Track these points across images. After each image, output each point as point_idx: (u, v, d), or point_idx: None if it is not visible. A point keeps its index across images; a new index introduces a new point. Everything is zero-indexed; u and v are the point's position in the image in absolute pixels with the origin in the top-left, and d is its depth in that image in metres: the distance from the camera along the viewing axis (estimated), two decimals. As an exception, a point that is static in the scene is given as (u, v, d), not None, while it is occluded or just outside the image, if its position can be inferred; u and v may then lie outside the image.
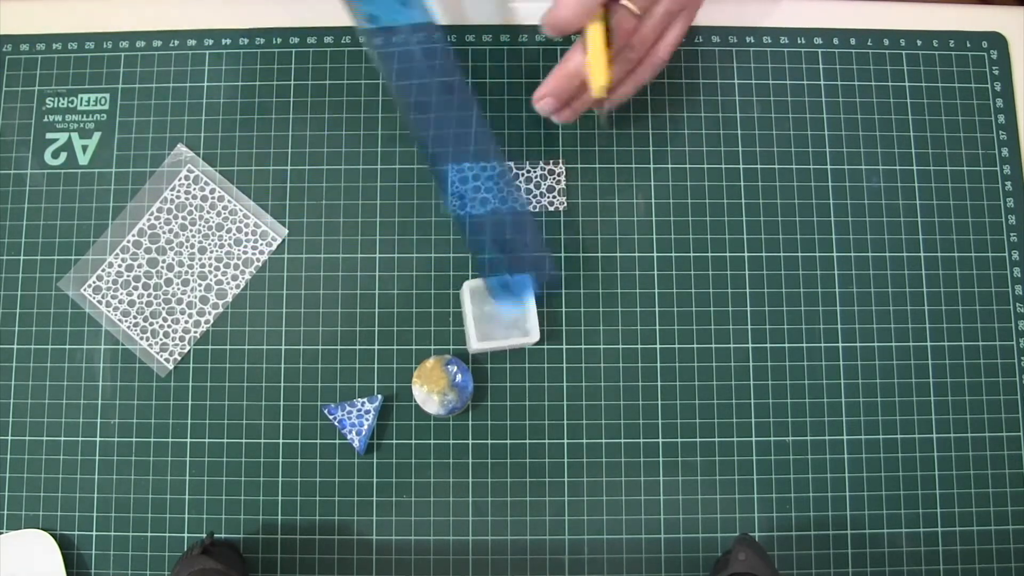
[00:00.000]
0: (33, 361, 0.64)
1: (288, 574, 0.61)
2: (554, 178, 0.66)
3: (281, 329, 0.64)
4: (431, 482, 0.62)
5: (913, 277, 0.65)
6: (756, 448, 0.63)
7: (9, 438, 0.63)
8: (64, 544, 0.61)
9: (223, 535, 0.62)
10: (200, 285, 0.64)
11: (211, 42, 0.67)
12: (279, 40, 0.67)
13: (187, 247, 0.65)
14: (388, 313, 0.64)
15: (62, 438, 0.63)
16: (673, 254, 0.65)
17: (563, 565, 0.61)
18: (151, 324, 0.64)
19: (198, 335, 0.64)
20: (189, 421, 0.63)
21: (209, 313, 0.64)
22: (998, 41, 0.68)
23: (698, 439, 0.63)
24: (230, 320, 0.64)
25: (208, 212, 0.65)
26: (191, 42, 0.68)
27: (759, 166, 0.66)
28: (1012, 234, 0.66)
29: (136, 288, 0.64)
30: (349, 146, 0.66)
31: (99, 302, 0.64)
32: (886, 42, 0.68)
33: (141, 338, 0.64)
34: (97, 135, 0.66)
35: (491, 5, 0.69)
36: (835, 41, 0.68)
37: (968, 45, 0.68)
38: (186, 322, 0.64)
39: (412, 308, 0.64)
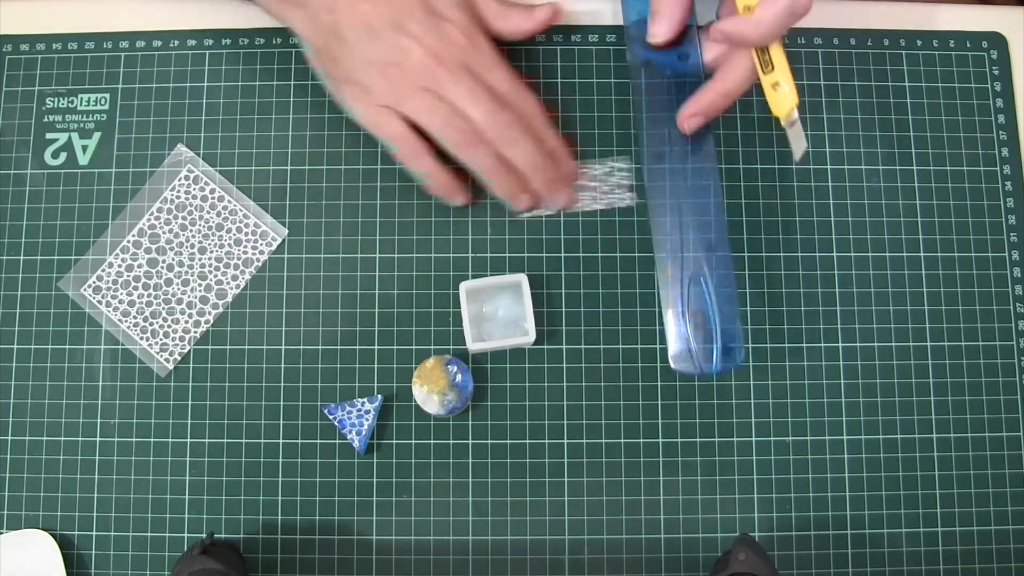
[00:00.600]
0: (33, 361, 0.64)
1: (288, 574, 0.61)
2: (621, 174, 0.65)
3: (281, 329, 0.64)
4: (431, 482, 0.62)
5: (913, 277, 0.65)
6: (756, 448, 0.63)
7: (9, 438, 0.63)
8: (64, 544, 0.61)
9: (223, 535, 0.62)
10: (200, 285, 0.64)
11: (211, 42, 0.67)
12: (279, 40, 0.67)
13: (187, 247, 0.65)
14: (388, 313, 0.64)
15: (62, 438, 0.63)
16: (673, 254, 0.65)
17: (563, 565, 0.61)
18: (151, 324, 0.64)
19: (198, 335, 0.64)
20: (189, 421, 0.63)
21: (209, 313, 0.64)
22: (998, 41, 0.68)
23: (698, 439, 0.63)
24: (230, 320, 0.64)
25: (208, 212, 0.65)
26: (191, 42, 0.68)
27: (759, 166, 0.66)
28: (1012, 234, 0.66)
29: (136, 288, 0.64)
30: (349, 146, 0.66)
31: (99, 302, 0.64)
32: (886, 42, 0.68)
33: (141, 338, 0.64)
34: (97, 135, 0.66)
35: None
36: (835, 41, 0.68)
37: (968, 45, 0.68)
38: (186, 322, 0.64)
39: (412, 308, 0.64)
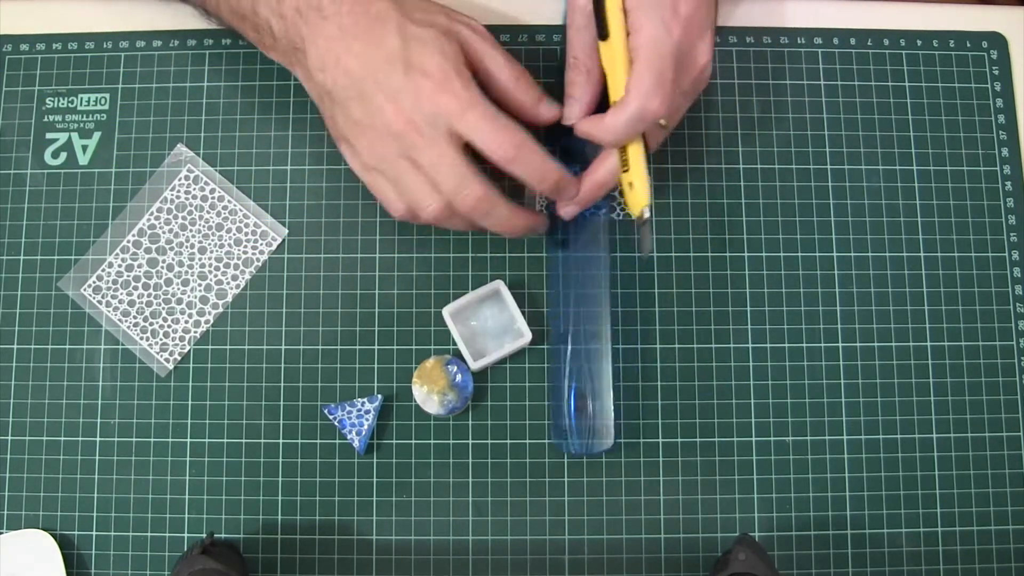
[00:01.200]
0: (33, 361, 0.64)
1: (288, 574, 0.61)
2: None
3: (281, 329, 0.64)
4: (431, 482, 0.62)
5: (913, 277, 0.65)
6: (756, 448, 0.63)
7: (9, 438, 0.63)
8: (64, 544, 0.61)
9: (223, 535, 0.62)
10: (200, 285, 0.64)
11: (211, 42, 0.67)
12: (279, 40, 0.67)
13: (187, 247, 0.65)
14: (388, 313, 0.64)
15: (62, 438, 0.63)
16: (673, 254, 0.65)
17: (563, 565, 0.61)
18: (151, 324, 0.64)
19: (198, 335, 0.64)
20: (189, 421, 0.63)
21: (209, 313, 0.64)
22: (998, 41, 0.68)
23: (698, 439, 0.63)
24: (230, 320, 0.64)
25: (208, 212, 0.65)
26: (191, 42, 0.68)
27: (759, 166, 0.66)
28: (1012, 234, 0.66)
29: (136, 288, 0.64)
30: (349, 146, 0.66)
31: (99, 302, 0.64)
32: (886, 42, 0.68)
33: (141, 338, 0.64)
34: (97, 135, 0.66)
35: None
36: (835, 41, 0.68)
37: (968, 45, 0.68)
38: (186, 322, 0.64)
39: (412, 308, 0.64)
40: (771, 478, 0.62)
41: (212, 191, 0.65)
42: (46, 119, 0.67)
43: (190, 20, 0.67)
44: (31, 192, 0.65)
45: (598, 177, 0.59)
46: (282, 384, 0.63)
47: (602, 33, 0.57)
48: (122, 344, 0.64)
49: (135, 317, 0.64)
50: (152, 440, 0.63)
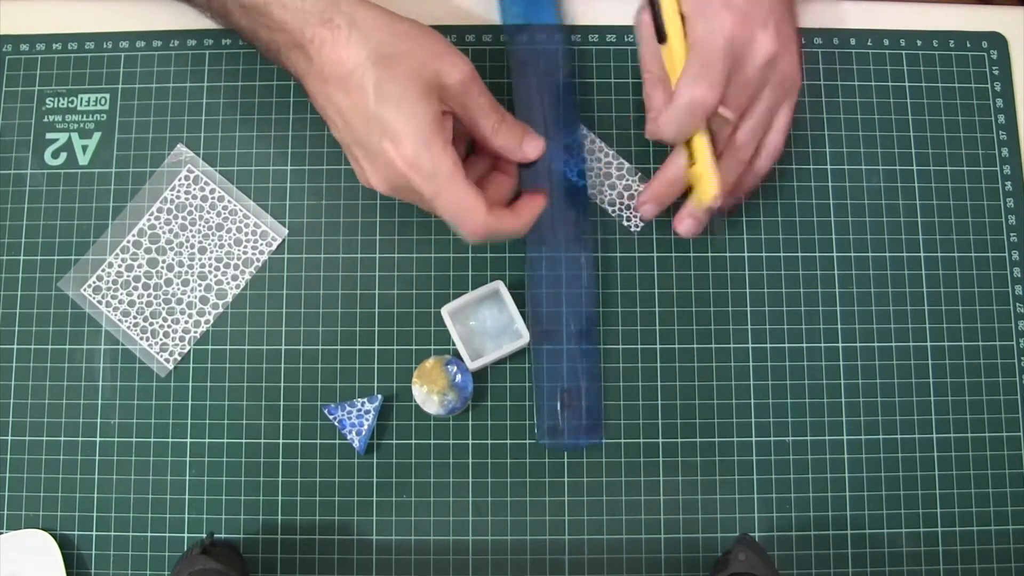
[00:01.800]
0: (33, 361, 0.64)
1: (288, 574, 0.61)
2: (634, 190, 0.66)
3: (281, 329, 0.64)
4: (431, 482, 0.62)
5: (913, 277, 0.65)
6: (756, 448, 0.63)
7: (9, 438, 0.63)
8: (64, 544, 0.61)
9: (223, 535, 0.62)
10: (200, 285, 0.64)
11: (211, 42, 0.67)
12: (279, 40, 0.67)
13: (187, 247, 0.65)
14: (388, 313, 0.64)
15: (62, 438, 0.63)
16: (673, 254, 0.65)
17: (563, 565, 0.61)
18: (151, 324, 0.64)
19: (198, 335, 0.64)
20: (189, 421, 0.63)
21: (209, 313, 0.64)
22: (998, 41, 0.68)
23: (698, 439, 0.63)
24: (230, 320, 0.64)
25: (208, 212, 0.65)
26: (191, 42, 0.68)
27: (759, 166, 0.66)
28: (1012, 234, 0.66)
29: (136, 288, 0.64)
30: (349, 146, 0.66)
31: (99, 302, 0.64)
32: (886, 42, 0.68)
33: (141, 338, 0.64)
34: (97, 135, 0.66)
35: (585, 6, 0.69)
36: (835, 41, 0.68)
37: (968, 45, 0.68)
38: (186, 322, 0.64)
39: (412, 308, 0.64)
40: (771, 478, 0.62)
41: (212, 191, 0.65)
42: (46, 119, 0.67)
43: (190, 20, 0.67)
44: (31, 192, 0.65)
45: (668, 174, 0.61)
46: (282, 384, 0.63)
47: (660, 37, 0.59)
48: (122, 344, 0.64)
49: (135, 317, 0.64)
50: (152, 440, 0.63)
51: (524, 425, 0.63)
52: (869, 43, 0.68)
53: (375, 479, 0.62)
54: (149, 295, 0.64)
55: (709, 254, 0.65)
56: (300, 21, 0.55)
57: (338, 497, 0.62)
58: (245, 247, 0.65)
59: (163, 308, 0.64)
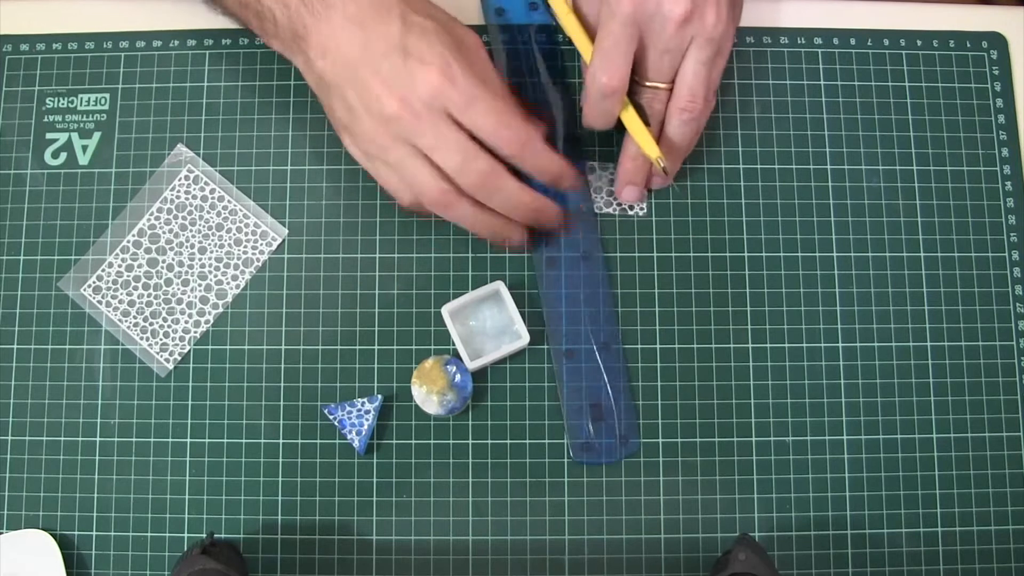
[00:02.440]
0: (33, 361, 0.64)
1: (288, 574, 0.61)
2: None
3: (281, 329, 0.64)
4: (431, 482, 0.62)
5: (913, 277, 0.65)
6: (756, 448, 0.63)
7: (9, 438, 0.63)
8: (64, 544, 0.61)
9: (223, 535, 0.62)
10: (200, 285, 0.64)
11: (211, 42, 0.67)
12: (279, 40, 0.67)
13: (187, 247, 0.65)
14: (388, 313, 0.64)
15: (62, 438, 0.63)
16: (673, 254, 0.65)
17: (563, 565, 0.61)
18: (151, 324, 0.64)
19: (198, 335, 0.64)
20: (189, 421, 0.63)
21: (209, 313, 0.64)
22: (998, 41, 0.68)
23: (698, 439, 0.63)
24: (230, 320, 0.64)
25: (208, 212, 0.65)
26: (191, 42, 0.68)
27: (759, 166, 0.66)
28: (1012, 234, 0.66)
29: (136, 288, 0.64)
30: (349, 146, 0.66)
31: (99, 302, 0.64)
32: (886, 42, 0.68)
33: (141, 338, 0.64)
34: (97, 135, 0.66)
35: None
36: (835, 41, 0.68)
37: (968, 45, 0.68)
38: (186, 322, 0.64)
39: (412, 308, 0.64)
40: (771, 478, 0.62)
41: (212, 191, 0.65)
42: (46, 119, 0.67)
43: (190, 20, 0.67)
44: (31, 192, 0.65)
45: (629, 152, 0.63)
46: (282, 384, 0.63)
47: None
48: (122, 344, 0.64)
49: (135, 317, 0.64)
50: (152, 440, 0.63)
51: (524, 425, 0.63)
52: (869, 43, 0.68)
53: (375, 479, 0.62)
54: (149, 295, 0.64)
55: (709, 254, 0.65)
56: None
57: (338, 497, 0.62)
58: (245, 247, 0.65)
59: (163, 308, 0.64)
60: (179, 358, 0.63)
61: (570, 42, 0.64)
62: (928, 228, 0.66)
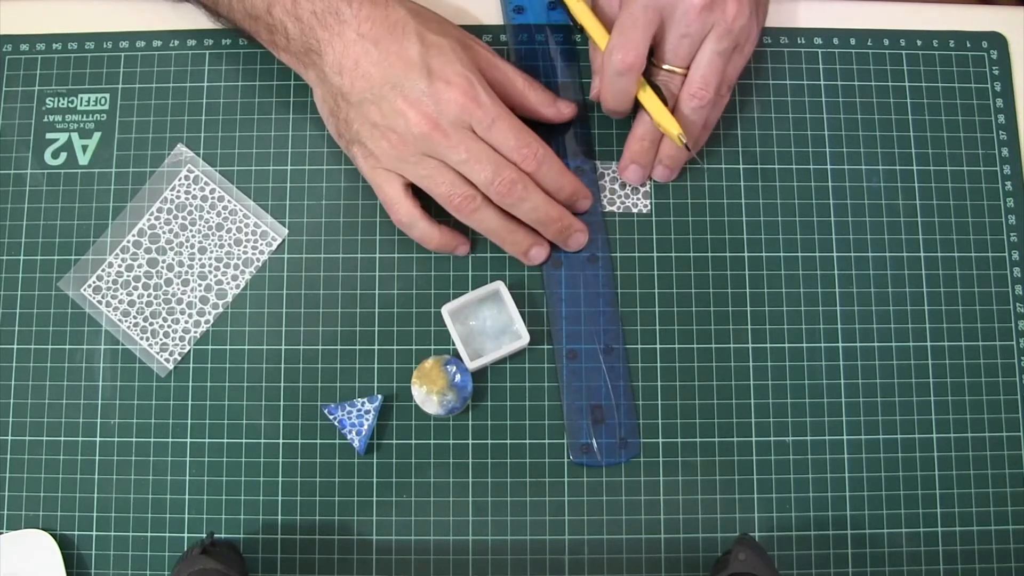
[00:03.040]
0: (33, 361, 0.64)
1: (288, 574, 0.61)
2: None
3: (281, 329, 0.64)
4: (431, 482, 0.62)
5: (913, 277, 0.65)
6: (756, 448, 0.63)
7: (9, 438, 0.63)
8: (64, 544, 0.61)
9: (223, 535, 0.62)
10: (200, 285, 0.64)
11: (211, 42, 0.67)
12: (279, 40, 0.67)
13: (187, 247, 0.65)
14: (388, 313, 0.64)
15: (62, 438, 0.63)
16: (673, 254, 0.65)
17: (563, 565, 0.61)
18: (151, 324, 0.64)
19: (198, 335, 0.64)
20: (189, 421, 0.63)
21: (209, 313, 0.64)
22: (998, 41, 0.68)
23: (698, 439, 0.63)
24: (230, 320, 0.64)
25: (208, 212, 0.65)
26: (191, 42, 0.68)
27: (759, 166, 0.66)
28: (1012, 234, 0.66)
29: (136, 288, 0.64)
30: (349, 146, 0.66)
31: (99, 302, 0.64)
32: (886, 42, 0.68)
33: (141, 338, 0.64)
34: (97, 135, 0.66)
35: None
36: (835, 41, 0.68)
37: (968, 45, 0.68)
38: (186, 322, 0.64)
39: (412, 308, 0.64)
40: (771, 478, 0.62)
41: (212, 191, 0.65)
42: (46, 119, 0.67)
43: (190, 20, 0.67)
44: (31, 192, 0.65)
45: (637, 132, 0.63)
46: (282, 384, 0.63)
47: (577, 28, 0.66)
48: (122, 344, 0.64)
49: (135, 317, 0.64)
50: (152, 440, 0.63)
51: (524, 425, 0.63)
52: (869, 43, 0.68)
53: (375, 479, 0.62)
54: (149, 295, 0.64)
55: (709, 254, 0.65)
56: None
57: (338, 497, 0.62)
58: (245, 247, 0.65)
59: (163, 308, 0.64)
60: (179, 358, 0.63)
61: (587, 42, 0.64)
62: (928, 228, 0.66)
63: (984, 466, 0.63)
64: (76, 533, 0.62)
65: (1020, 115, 0.67)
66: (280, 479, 0.62)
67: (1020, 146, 0.67)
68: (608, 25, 0.63)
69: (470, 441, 0.63)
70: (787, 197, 0.66)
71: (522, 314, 0.62)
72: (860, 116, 0.67)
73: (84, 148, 0.66)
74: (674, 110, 0.61)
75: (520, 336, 0.62)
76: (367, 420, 0.62)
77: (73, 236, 0.65)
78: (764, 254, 0.65)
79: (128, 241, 0.65)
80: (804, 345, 0.64)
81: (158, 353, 0.63)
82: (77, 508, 0.62)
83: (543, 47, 0.66)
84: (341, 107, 0.60)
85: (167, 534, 0.62)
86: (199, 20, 0.67)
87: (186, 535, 0.62)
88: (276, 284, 0.64)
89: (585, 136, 0.66)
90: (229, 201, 0.65)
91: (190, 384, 0.63)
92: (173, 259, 0.65)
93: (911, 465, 0.63)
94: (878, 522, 0.62)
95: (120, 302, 0.64)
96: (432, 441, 0.63)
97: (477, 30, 0.67)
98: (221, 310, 0.64)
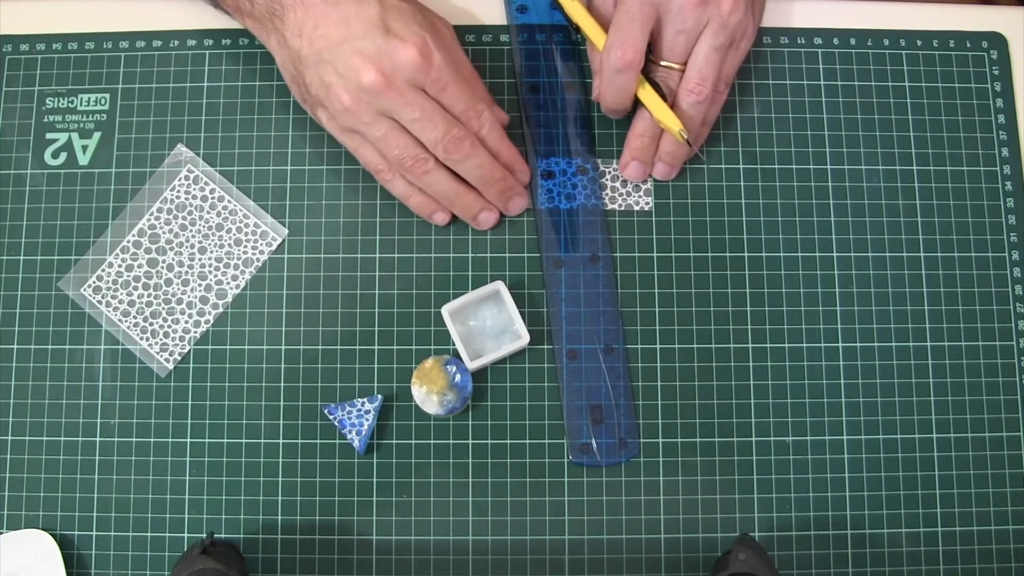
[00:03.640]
0: (33, 361, 0.64)
1: (288, 574, 0.61)
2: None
3: (281, 329, 0.64)
4: (431, 482, 0.62)
5: (913, 277, 0.65)
6: (756, 448, 0.63)
7: (9, 438, 0.63)
8: (64, 544, 0.61)
9: (223, 535, 0.62)
10: (200, 285, 0.64)
11: (211, 42, 0.67)
12: (279, 40, 0.67)
13: (187, 247, 0.65)
14: (388, 313, 0.64)
15: (62, 438, 0.63)
16: (673, 254, 0.65)
17: (563, 565, 0.61)
18: (151, 324, 0.64)
19: (198, 335, 0.64)
20: (189, 421, 0.63)
21: (209, 313, 0.64)
22: (998, 41, 0.68)
23: (698, 439, 0.63)
24: (230, 320, 0.64)
25: (208, 212, 0.65)
26: (191, 42, 0.68)
27: (759, 166, 0.66)
28: (1012, 234, 0.66)
29: (136, 288, 0.64)
30: (349, 146, 0.66)
31: (99, 302, 0.64)
32: (886, 42, 0.68)
33: (141, 338, 0.64)
34: (97, 135, 0.66)
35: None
36: (835, 41, 0.68)
37: (968, 45, 0.68)
38: (186, 322, 0.64)
39: (412, 308, 0.64)
40: (771, 478, 0.62)
41: (212, 191, 0.65)
42: (46, 119, 0.67)
43: (190, 20, 0.67)
44: (31, 192, 0.65)
45: (637, 129, 0.64)
46: (282, 384, 0.63)
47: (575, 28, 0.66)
48: (122, 344, 0.64)
49: (135, 317, 0.64)
50: (152, 440, 0.63)
51: (524, 425, 0.63)
52: (869, 43, 0.68)
53: (375, 479, 0.62)
54: (149, 295, 0.64)
55: (709, 254, 0.65)
56: None
57: (338, 497, 0.62)
58: (245, 247, 0.65)
59: (163, 308, 0.64)
60: (179, 358, 0.63)
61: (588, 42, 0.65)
62: (928, 228, 0.66)
63: (984, 466, 0.63)
64: (76, 533, 0.62)
65: (1020, 115, 0.67)
66: (280, 479, 0.62)
67: (1020, 146, 0.67)
68: (604, 24, 0.63)
69: (470, 441, 0.63)
70: (787, 197, 0.66)
71: (522, 314, 0.62)
72: (860, 116, 0.67)
73: (84, 148, 0.66)
74: (673, 106, 0.61)
75: (520, 336, 0.62)
76: (367, 420, 0.62)
77: (73, 236, 0.65)
78: (764, 254, 0.65)
79: (128, 241, 0.65)
80: (804, 345, 0.64)
81: (158, 353, 0.63)
82: (77, 508, 0.62)
83: (544, 47, 0.66)
84: (300, 71, 0.60)
85: (167, 534, 0.62)
86: (199, 20, 0.67)
87: (186, 535, 0.62)
88: (276, 284, 0.64)
89: (586, 136, 0.66)
90: (229, 201, 0.65)
91: (190, 384, 0.63)
92: (173, 259, 0.65)
93: (911, 465, 0.63)
94: (878, 522, 0.62)
95: (120, 302, 0.64)
96: (432, 441, 0.63)
97: (478, 30, 0.67)
98: (221, 310, 0.64)
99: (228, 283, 0.64)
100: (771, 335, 0.64)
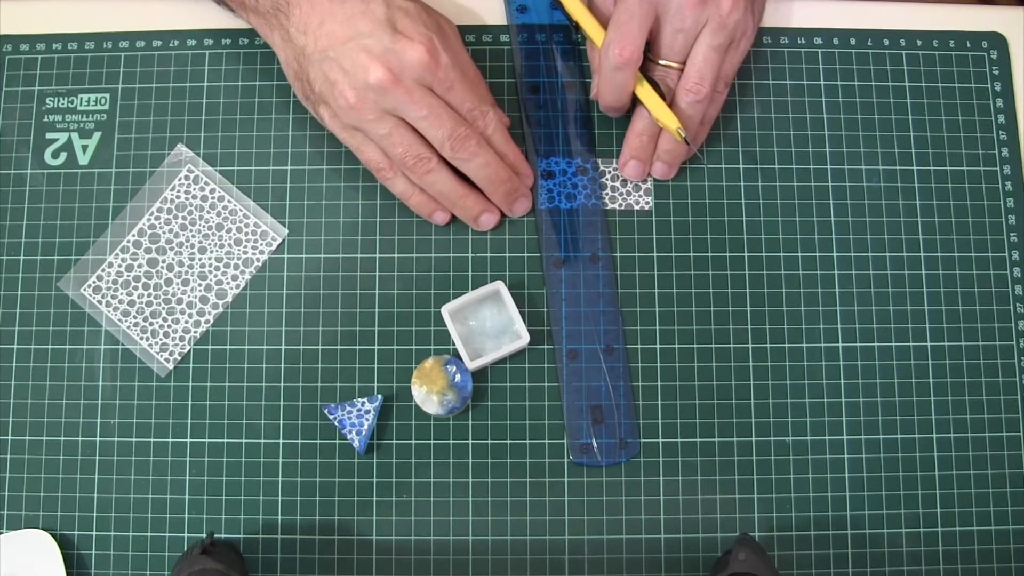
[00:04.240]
0: (33, 361, 0.64)
1: (288, 574, 0.61)
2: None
3: (281, 329, 0.64)
4: (431, 482, 0.62)
5: (913, 277, 0.65)
6: (756, 448, 0.63)
7: (9, 438, 0.63)
8: (64, 544, 0.61)
9: (223, 535, 0.62)
10: (200, 285, 0.64)
11: (211, 42, 0.67)
12: (279, 40, 0.67)
13: (187, 247, 0.65)
14: (388, 313, 0.64)
15: (62, 438, 0.63)
16: (673, 254, 0.65)
17: (563, 565, 0.61)
18: (151, 324, 0.64)
19: (198, 335, 0.64)
20: (189, 421, 0.63)
21: (209, 313, 0.64)
22: (998, 41, 0.68)
23: (698, 439, 0.63)
24: (230, 320, 0.64)
25: (208, 212, 0.65)
26: (191, 42, 0.68)
27: (759, 166, 0.66)
28: (1012, 234, 0.66)
29: (136, 288, 0.64)
30: (349, 146, 0.66)
31: (99, 302, 0.64)
32: (886, 42, 0.68)
33: (141, 338, 0.64)
34: (97, 135, 0.66)
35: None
36: (835, 41, 0.68)
37: (968, 45, 0.68)
38: (186, 322, 0.64)
39: (412, 308, 0.64)
40: (771, 478, 0.62)
41: (212, 191, 0.65)
42: (46, 119, 0.67)
43: (190, 20, 0.67)
44: (31, 192, 0.65)
45: (636, 127, 0.64)
46: (282, 384, 0.63)
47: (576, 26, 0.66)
48: (122, 344, 0.64)
49: (135, 317, 0.64)
50: (152, 440, 0.63)
51: (524, 425, 0.63)
52: (869, 43, 0.68)
53: (375, 479, 0.62)
54: (149, 295, 0.64)
55: (709, 254, 0.65)
56: None
57: (338, 497, 0.62)
58: (245, 247, 0.65)
59: (163, 308, 0.64)
60: (179, 358, 0.63)
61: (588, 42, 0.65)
62: (928, 228, 0.66)
63: (984, 466, 0.63)
64: (76, 533, 0.62)
65: (1020, 115, 0.67)
66: (280, 479, 0.62)
67: (1020, 146, 0.67)
68: (604, 23, 0.63)
69: (470, 441, 0.63)
70: (787, 197, 0.66)
71: (522, 314, 0.62)
72: (860, 116, 0.67)
73: (84, 148, 0.66)
74: (671, 105, 0.62)
75: (520, 336, 0.62)
76: (367, 420, 0.62)
77: (73, 236, 0.65)
78: (764, 254, 0.65)
79: (128, 241, 0.65)
80: (804, 345, 0.64)
81: (158, 353, 0.63)
82: (77, 508, 0.62)
83: (545, 47, 0.67)
84: (303, 67, 0.60)
85: (167, 534, 0.62)
86: (199, 20, 0.67)
87: (186, 535, 0.62)
88: (276, 284, 0.64)
89: (587, 135, 0.66)
90: (229, 201, 0.65)
91: (190, 384, 0.63)
92: (173, 259, 0.65)
93: (911, 465, 0.63)
94: (878, 522, 0.62)
95: (120, 302, 0.64)
96: (432, 441, 0.63)
97: (478, 29, 0.68)
98: (221, 310, 0.64)
99: (228, 283, 0.64)
100: (771, 335, 0.64)
